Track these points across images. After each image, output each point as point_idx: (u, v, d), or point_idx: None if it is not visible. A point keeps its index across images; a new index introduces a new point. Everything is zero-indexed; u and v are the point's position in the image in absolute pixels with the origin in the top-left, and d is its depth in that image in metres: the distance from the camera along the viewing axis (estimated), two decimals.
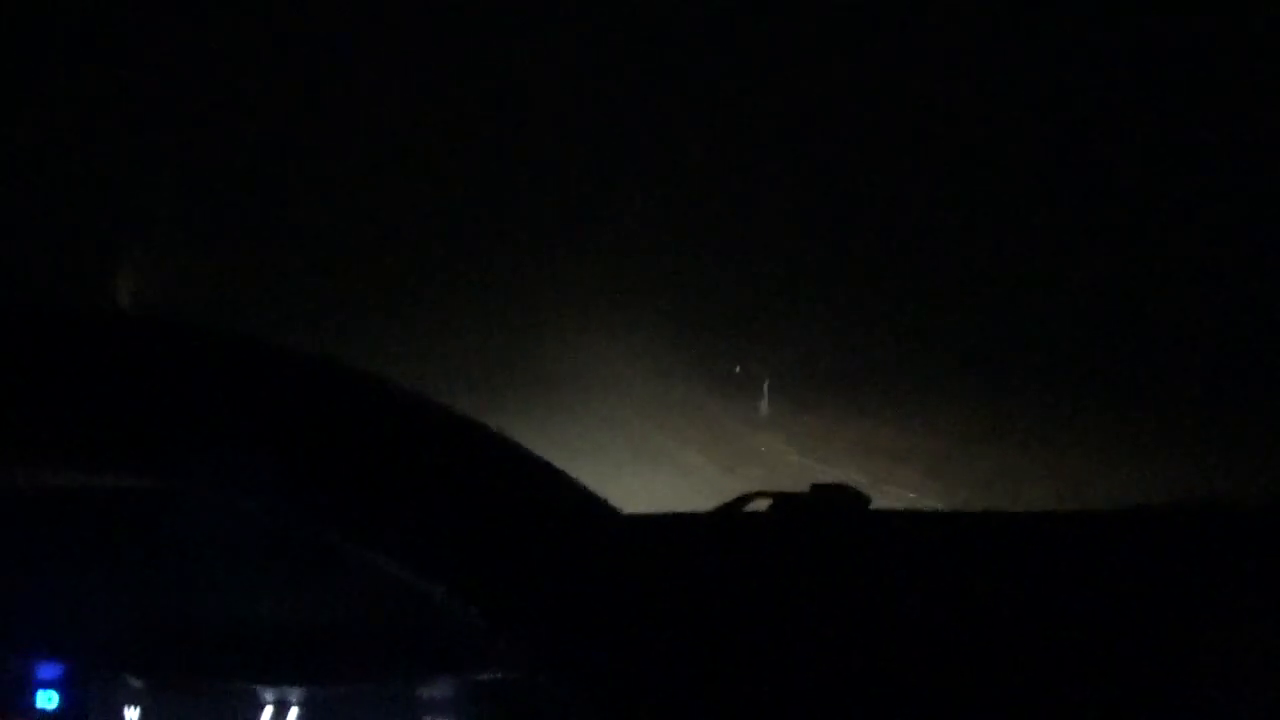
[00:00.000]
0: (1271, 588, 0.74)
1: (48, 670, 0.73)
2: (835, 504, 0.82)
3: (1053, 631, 0.71)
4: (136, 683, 0.73)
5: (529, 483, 0.36)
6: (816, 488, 0.83)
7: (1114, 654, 0.71)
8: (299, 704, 0.72)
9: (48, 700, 0.73)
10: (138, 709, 0.72)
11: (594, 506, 0.36)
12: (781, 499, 0.83)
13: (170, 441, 0.33)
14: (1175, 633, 0.72)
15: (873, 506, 0.86)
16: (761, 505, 0.86)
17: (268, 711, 0.72)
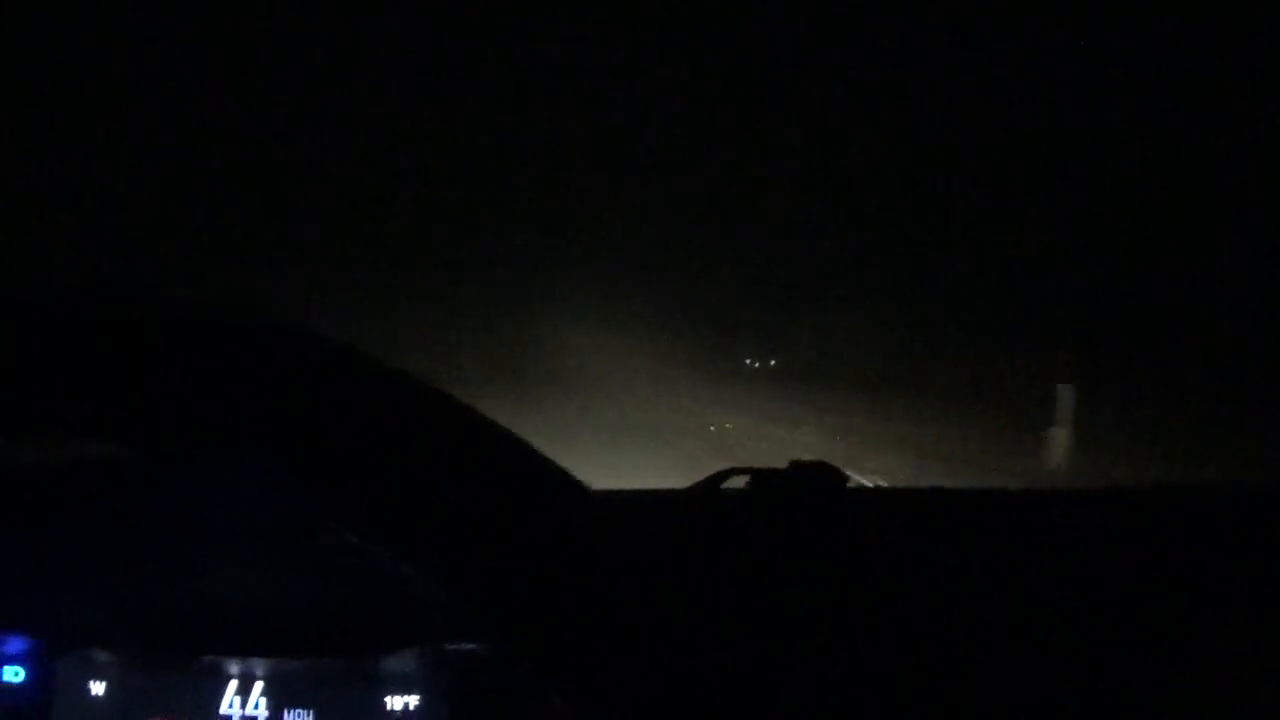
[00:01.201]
0: (1237, 565, 0.75)
1: (13, 645, 0.72)
2: (813, 480, 0.81)
3: (1028, 603, 0.71)
4: (103, 657, 0.72)
5: (500, 457, 0.36)
6: (795, 464, 0.82)
7: (1087, 624, 0.71)
8: (264, 677, 0.71)
9: (14, 675, 0.72)
10: (104, 683, 0.71)
11: (564, 482, 0.36)
12: (760, 475, 0.83)
13: (153, 410, 0.33)
14: (1144, 607, 0.73)
15: (850, 484, 0.86)
16: (740, 481, 0.86)
17: (233, 685, 0.71)
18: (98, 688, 0.71)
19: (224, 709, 0.71)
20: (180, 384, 0.33)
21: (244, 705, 0.71)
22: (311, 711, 0.71)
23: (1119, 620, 0.72)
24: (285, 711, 0.71)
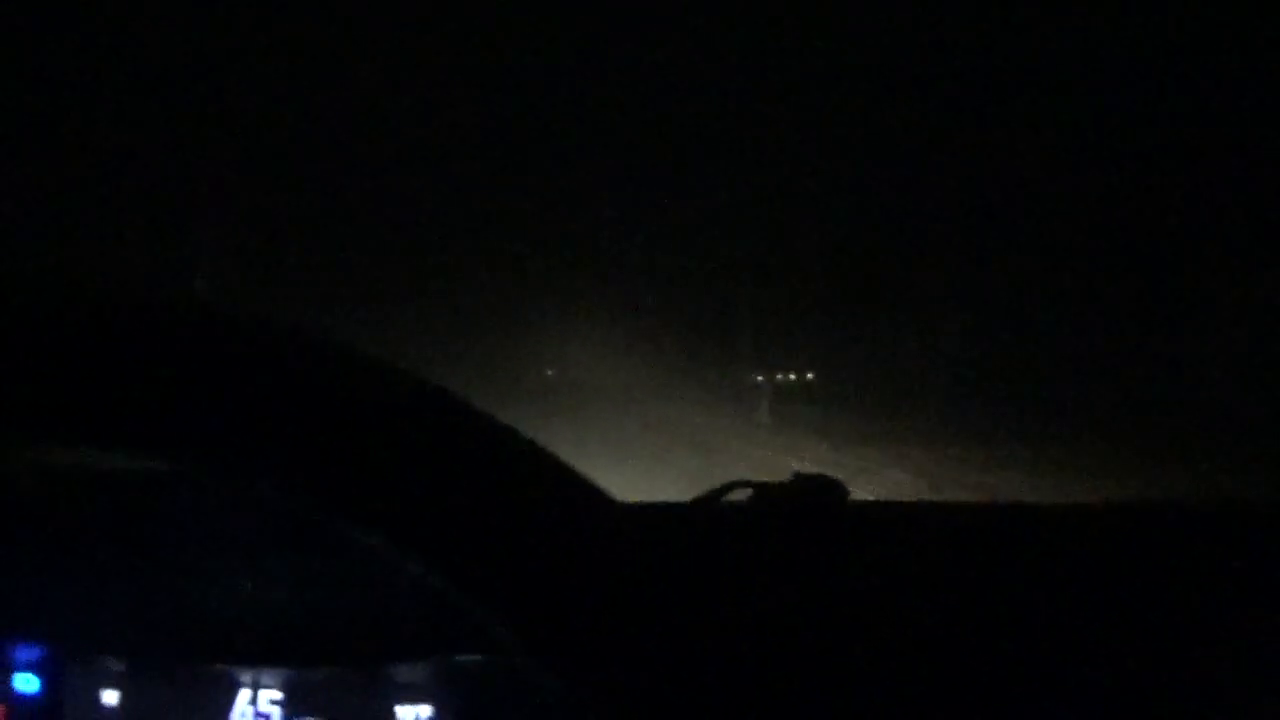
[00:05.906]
0: (1237, 576, 0.75)
1: (26, 653, 0.72)
2: (815, 493, 0.82)
3: (1028, 617, 0.72)
4: (116, 665, 0.72)
5: (530, 469, 0.36)
6: (797, 477, 0.83)
7: (1091, 638, 0.72)
8: (276, 686, 0.72)
9: (26, 683, 0.72)
10: (117, 692, 0.72)
11: (593, 495, 0.37)
12: (762, 488, 0.84)
13: (178, 419, 0.34)
14: (1143, 622, 0.73)
15: (852, 498, 0.86)
16: (743, 495, 0.86)
17: (245, 694, 0.72)
18: (110, 697, 0.72)
19: (235, 718, 0.72)
20: (196, 393, 0.33)
21: (255, 714, 0.72)
22: None
23: (1124, 634, 0.72)
24: None
